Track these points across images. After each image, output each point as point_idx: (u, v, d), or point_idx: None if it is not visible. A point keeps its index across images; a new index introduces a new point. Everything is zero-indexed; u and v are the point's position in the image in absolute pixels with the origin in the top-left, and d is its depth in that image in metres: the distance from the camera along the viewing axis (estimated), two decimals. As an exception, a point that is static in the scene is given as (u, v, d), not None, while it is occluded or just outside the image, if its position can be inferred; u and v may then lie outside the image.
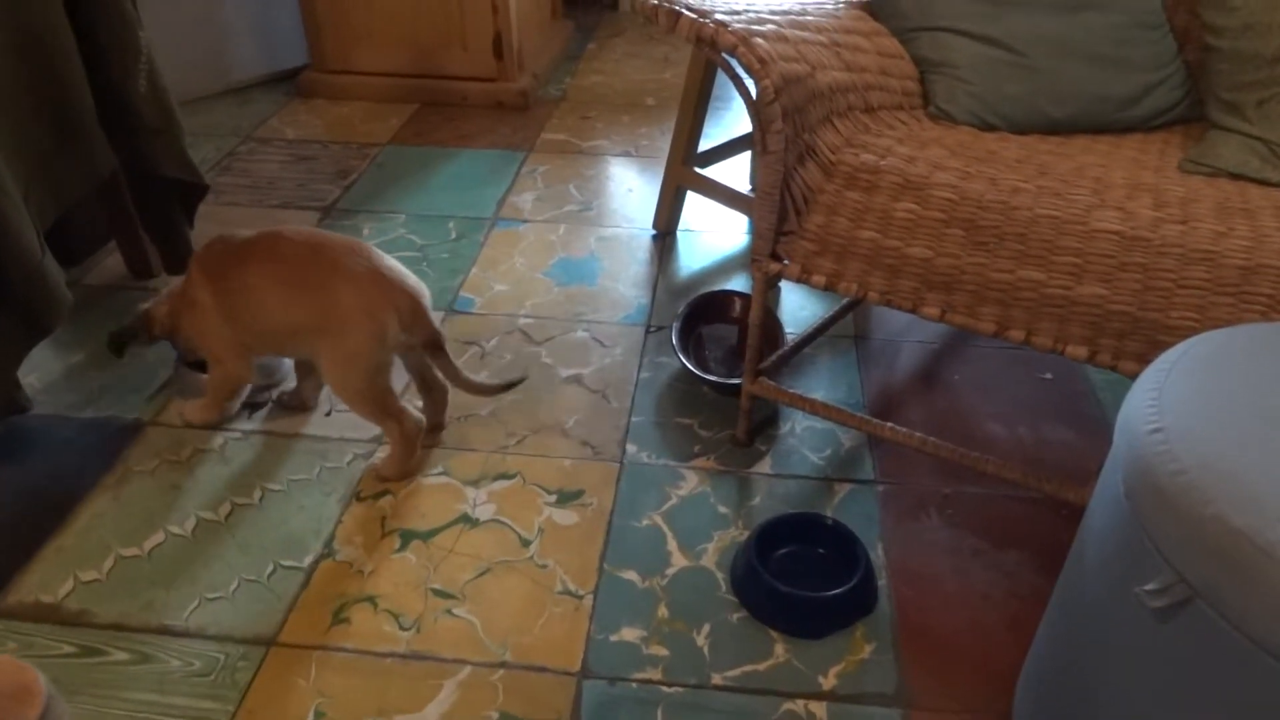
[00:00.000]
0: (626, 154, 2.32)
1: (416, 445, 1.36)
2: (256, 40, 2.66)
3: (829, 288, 1.23)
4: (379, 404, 1.31)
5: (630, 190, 2.15)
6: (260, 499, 1.34)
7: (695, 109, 1.81)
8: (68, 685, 1.09)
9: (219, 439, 1.44)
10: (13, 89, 1.27)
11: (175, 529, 1.29)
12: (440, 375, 1.37)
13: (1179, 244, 1.06)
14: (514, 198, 2.12)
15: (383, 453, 1.41)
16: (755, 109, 1.16)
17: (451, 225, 2.01)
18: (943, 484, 1.37)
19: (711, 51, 1.17)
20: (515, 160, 2.28)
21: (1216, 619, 0.70)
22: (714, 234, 2.00)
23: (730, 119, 2.54)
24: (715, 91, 2.80)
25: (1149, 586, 0.73)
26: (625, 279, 1.84)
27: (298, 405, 1.49)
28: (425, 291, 1.31)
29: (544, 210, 2.07)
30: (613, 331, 1.69)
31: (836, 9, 1.44)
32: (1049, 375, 1.59)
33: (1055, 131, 1.42)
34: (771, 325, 1.58)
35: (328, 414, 1.49)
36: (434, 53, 2.55)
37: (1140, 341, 1.08)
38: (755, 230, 1.25)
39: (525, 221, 2.03)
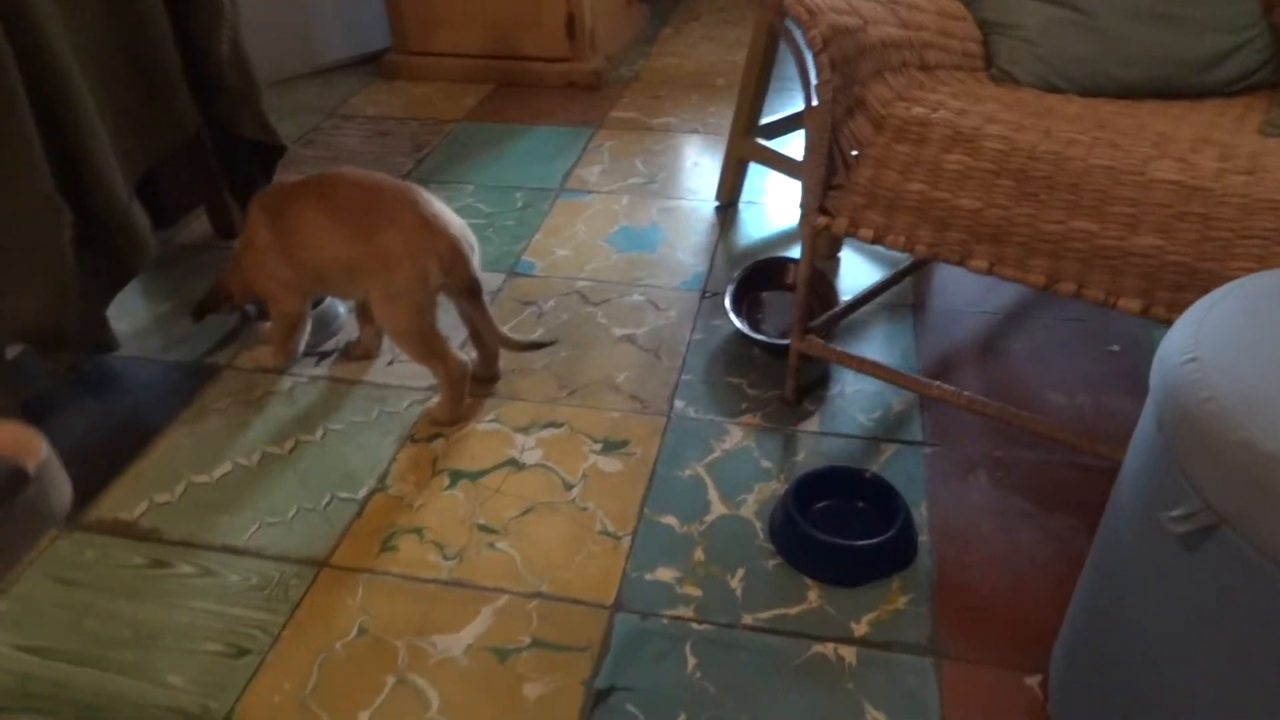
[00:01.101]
0: (694, 130, 2.34)
1: (463, 388, 1.41)
2: (342, 24, 2.77)
3: (876, 241, 1.23)
4: (424, 344, 1.36)
5: (695, 164, 2.17)
6: (322, 437, 1.40)
7: (757, 81, 1.82)
8: (138, 592, 1.16)
9: (287, 383, 1.52)
10: (105, 45, 1.37)
11: (242, 460, 1.37)
12: (479, 327, 1.41)
13: (1243, 194, 1.03)
14: (580, 170, 2.16)
15: (438, 400, 1.46)
16: (804, 60, 1.17)
17: (518, 195, 2.06)
18: (994, 448, 1.35)
19: (761, 4, 1.18)
20: (584, 136, 2.33)
21: (1243, 545, 0.68)
22: (776, 207, 2.00)
23: (794, 94, 2.53)
24: (779, 72, 2.79)
25: (1174, 512, 0.72)
26: (685, 247, 1.85)
27: (361, 354, 1.56)
28: (469, 238, 1.36)
29: (609, 182, 2.11)
30: (669, 296, 1.71)
31: (899, -28, 1.43)
32: (1116, 348, 1.55)
33: (1125, 95, 1.39)
34: (824, 287, 1.58)
35: (389, 363, 1.55)
36: (509, 34, 2.61)
37: (1196, 293, 1.05)
38: (803, 184, 1.26)
39: (590, 192, 2.07)
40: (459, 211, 1.99)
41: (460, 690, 1.04)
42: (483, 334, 1.43)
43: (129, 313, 1.69)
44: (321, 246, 1.35)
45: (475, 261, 1.36)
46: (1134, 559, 0.82)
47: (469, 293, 1.35)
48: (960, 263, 1.18)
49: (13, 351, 1.58)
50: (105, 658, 1.08)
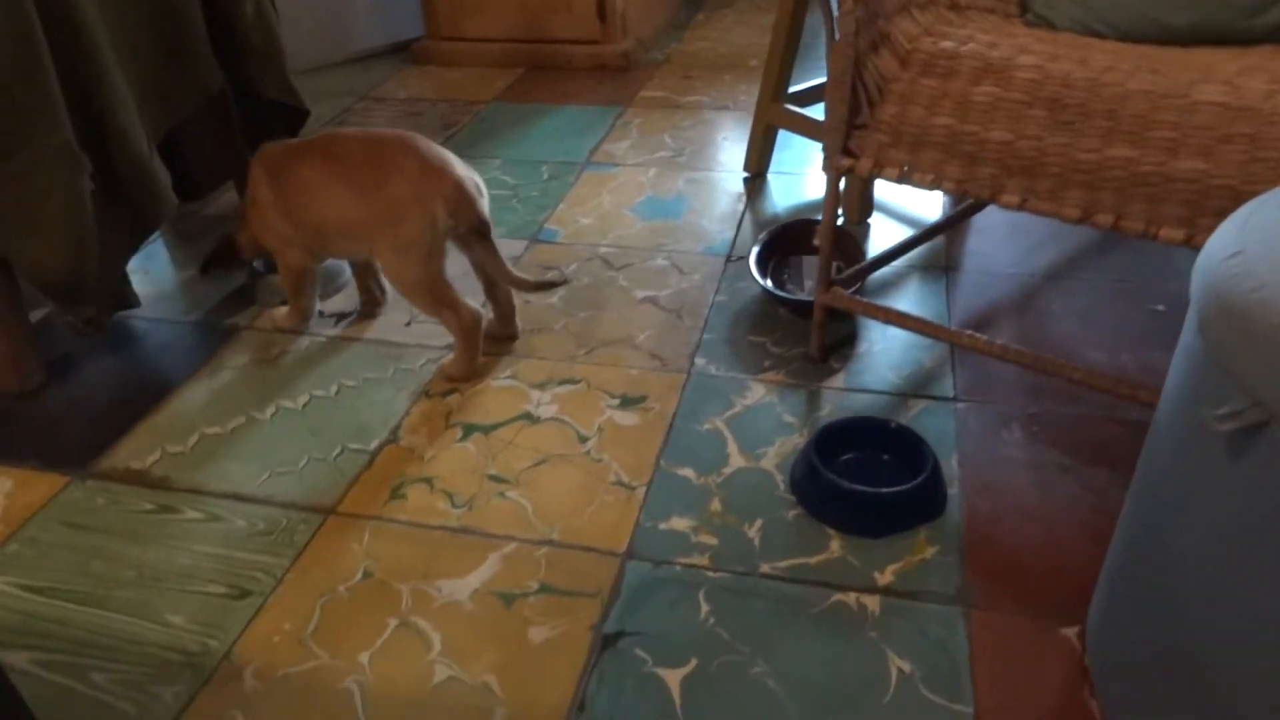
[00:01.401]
0: (724, 108, 2.31)
1: (477, 339, 1.37)
2: (376, 12, 2.79)
3: (902, 179, 1.18)
4: (435, 294, 1.34)
5: (725, 139, 2.13)
6: (336, 392, 1.38)
7: (786, 44, 1.78)
8: (144, 537, 1.15)
9: (305, 342, 1.50)
10: (128, 3, 1.37)
11: (256, 414, 1.35)
12: (490, 271, 1.38)
13: (1293, 113, 0.96)
14: (607, 145, 2.14)
15: (453, 355, 1.44)
16: (827, -11, 1.13)
17: (544, 168, 2.04)
18: (1029, 404, 1.29)
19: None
20: (612, 114, 2.30)
21: (1295, 444, 0.62)
22: (806, 177, 1.95)
23: (823, 65, 2.48)
24: (810, 42, 2.75)
25: (1220, 410, 0.66)
26: (711, 216, 1.81)
27: (371, 306, 1.56)
28: (475, 179, 1.33)
29: (636, 156, 2.08)
30: (693, 260, 1.67)
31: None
32: (1161, 307, 1.47)
33: (1168, 42, 1.32)
34: (850, 245, 1.53)
35: (407, 323, 1.53)
36: (540, 17, 2.60)
37: (1244, 220, 0.98)
38: (825, 125, 1.21)
39: (617, 165, 2.04)
40: (486, 185, 1.98)
41: (463, 633, 1.00)
42: (494, 278, 1.40)
43: (154, 279, 1.70)
44: (324, 207, 1.34)
45: (483, 203, 1.33)
46: (1176, 478, 0.76)
47: (478, 234, 1.32)
48: (991, 198, 1.12)
49: (37, 314, 1.59)
50: (108, 597, 1.07)
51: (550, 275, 1.43)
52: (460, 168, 1.32)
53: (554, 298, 1.57)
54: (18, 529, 1.17)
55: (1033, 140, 1.08)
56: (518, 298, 1.51)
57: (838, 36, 1.14)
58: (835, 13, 1.14)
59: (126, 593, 1.07)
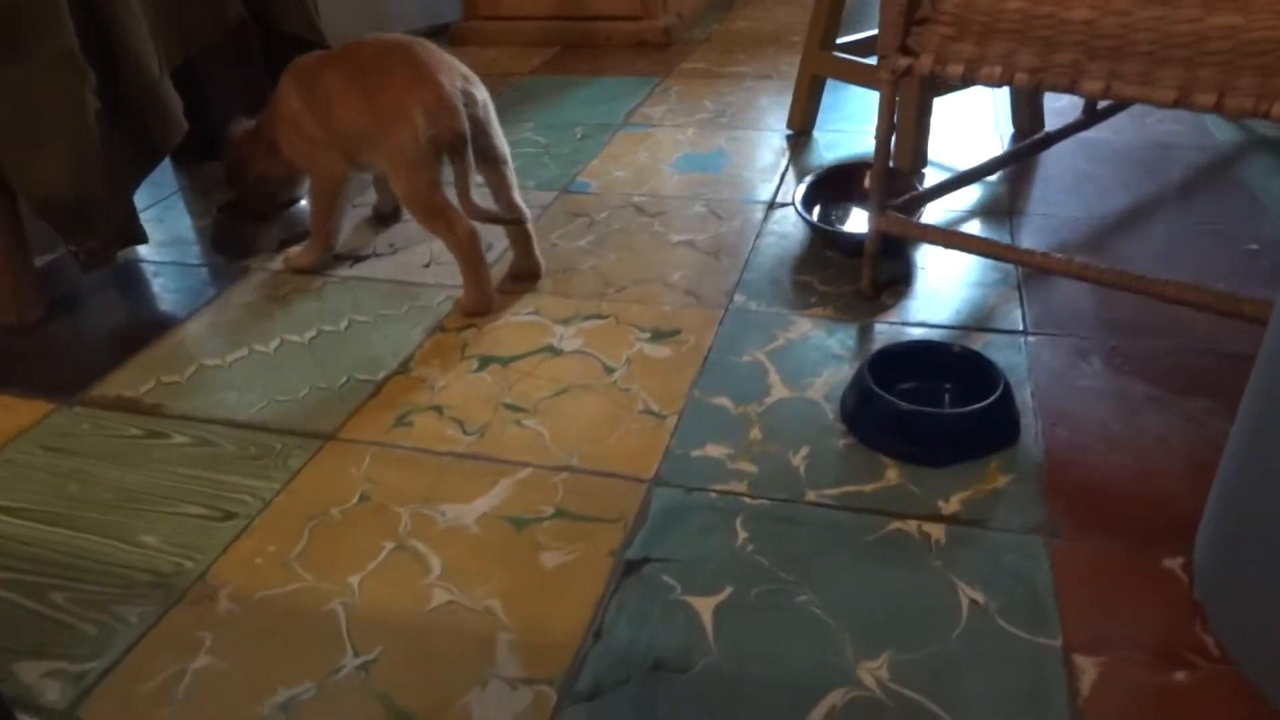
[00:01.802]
0: (767, 76, 2.20)
1: (478, 258, 1.28)
2: (415, -4, 2.75)
3: (968, 76, 1.06)
4: (427, 204, 1.26)
5: (768, 101, 2.03)
6: (346, 327, 1.28)
7: (835, -16, 1.68)
8: (127, 460, 1.05)
9: (318, 282, 1.41)
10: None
11: (259, 347, 1.25)
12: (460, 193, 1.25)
13: None
14: (645, 109, 2.04)
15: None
16: None
17: (578, 129, 1.95)
18: (1109, 336, 1.14)
19: None
20: (650, 83, 2.21)
21: None
22: (852, 134, 1.83)
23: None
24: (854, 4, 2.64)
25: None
26: (752, 169, 1.70)
27: (387, 214, 1.54)
28: (460, 91, 1.23)
29: (674, 118, 1.98)
30: (733, 208, 1.55)
31: None
32: (1254, 246, 1.32)
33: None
34: (901, 183, 1.40)
35: (426, 265, 1.43)
36: (579, -7, 2.54)
37: (1376, 86, 0.84)
38: (881, 20, 1.10)
39: (653, 126, 1.94)
40: (517, 143, 1.89)
41: (467, 557, 0.88)
42: (459, 201, 1.24)
43: (168, 226, 1.63)
44: (341, 112, 1.28)
45: (463, 117, 1.22)
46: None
47: (452, 146, 1.21)
48: (1070, 87, 1.00)
49: (46, 258, 1.52)
50: (79, 518, 0.96)
51: (505, 214, 1.33)
52: (451, 77, 1.23)
53: (583, 241, 1.47)
54: (-5, 452, 1.08)
55: (1119, 16, 0.95)
56: (546, 242, 1.40)
57: (895, -88, 1.03)
58: (892, -113, 1.03)
59: (100, 514, 0.97)
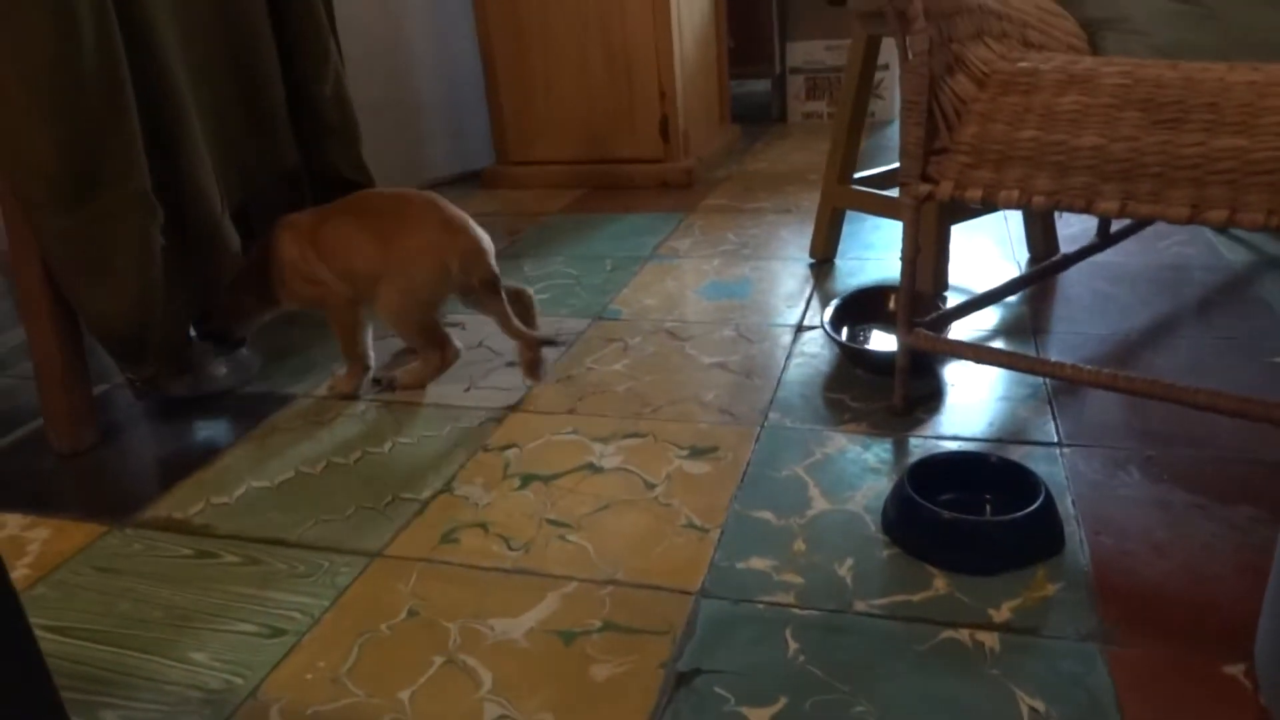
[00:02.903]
0: (787, 211, 2.31)
1: (437, 375, 1.48)
2: (449, 145, 2.92)
3: (987, 200, 1.12)
4: (430, 334, 1.45)
5: (789, 233, 2.12)
6: (390, 449, 1.32)
7: (850, 126, 1.78)
8: (177, 579, 1.06)
9: (361, 406, 1.45)
10: (216, 74, 1.43)
11: (306, 469, 1.28)
12: (498, 322, 1.43)
13: None
14: (671, 242, 2.13)
15: (514, 418, 1.37)
16: (902, 27, 1.12)
17: (608, 262, 2.03)
18: (1145, 447, 1.16)
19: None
20: (675, 219, 2.32)
21: None
22: (874, 261, 1.90)
23: (891, 160, 2.48)
24: (871, 139, 2.77)
25: None
26: (778, 294, 1.76)
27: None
28: (487, 240, 1.43)
29: (700, 250, 2.06)
30: (761, 331, 1.60)
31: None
32: (1278, 359, 1.35)
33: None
34: (926, 304, 1.45)
35: (466, 389, 1.48)
36: (604, 138, 2.69)
37: (1381, 199, 0.89)
38: (902, 150, 1.17)
39: (680, 257, 2.02)
40: (548, 275, 1.98)
41: (517, 671, 0.88)
42: (503, 328, 1.44)
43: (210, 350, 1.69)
44: (353, 257, 1.42)
45: (492, 259, 1.42)
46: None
47: (487, 287, 1.39)
48: (1086, 208, 1.05)
49: (101, 387, 1.58)
50: (130, 636, 0.97)
51: (550, 334, 1.52)
52: (474, 228, 1.42)
53: (619, 365, 1.51)
54: (47, 573, 1.09)
55: (1128, 141, 1.02)
56: (582, 365, 1.44)
57: (909, 53, 1.12)
58: (906, 33, 1.12)
59: (150, 632, 0.98)
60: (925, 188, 1.16)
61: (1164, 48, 1.31)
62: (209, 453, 1.35)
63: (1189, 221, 0.99)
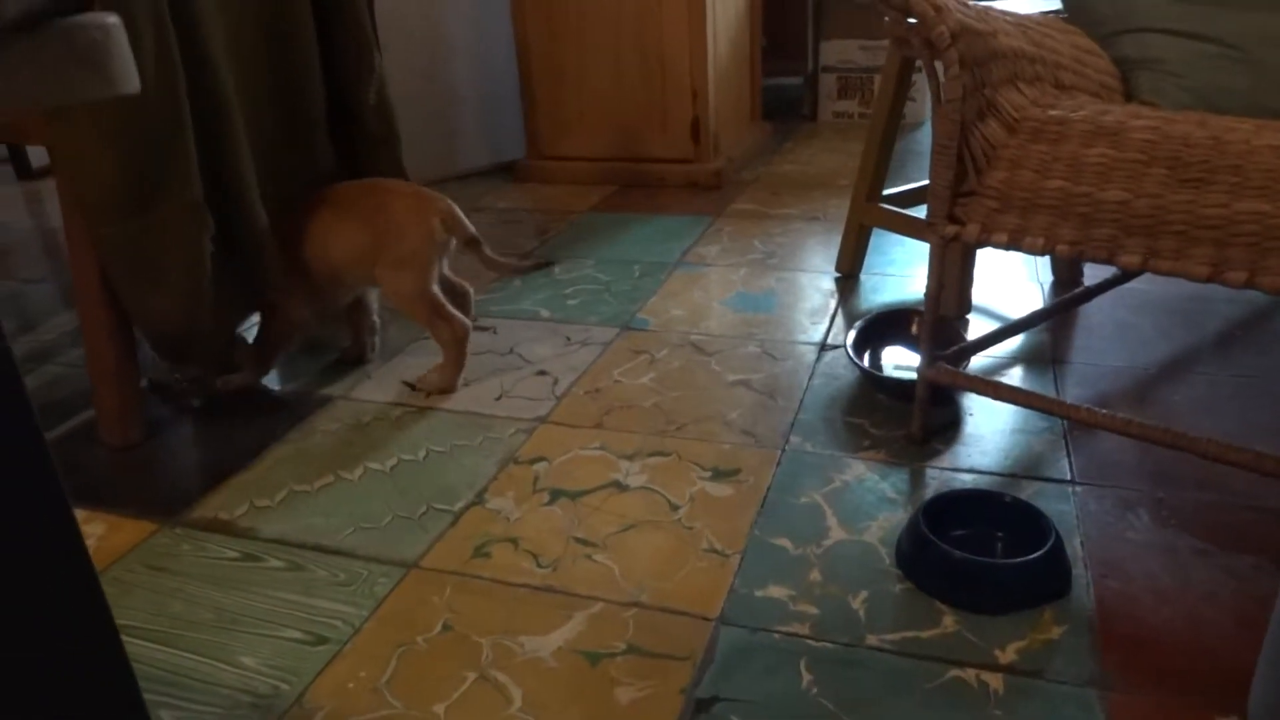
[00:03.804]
0: (815, 219, 2.33)
1: (464, 352, 1.54)
2: (483, 137, 2.95)
3: (1012, 245, 1.15)
4: (433, 305, 1.51)
5: (816, 243, 2.14)
6: (424, 457, 1.37)
7: (882, 143, 1.81)
8: (225, 582, 1.12)
9: (396, 411, 1.51)
10: (261, 85, 1.48)
11: (345, 474, 1.34)
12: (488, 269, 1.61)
13: None
14: (699, 248, 2.17)
15: (543, 431, 1.42)
16: (932, 55, 1.14)
17: (636, 268, 2.07)
18: (1155, 489, 1.19)
19: (887, 8, 1.17)
20: (703, 223, 2.35)
21: None
22: (898, 279, 1.93)
23: (921, 169, 2.50)
24: (900, 154, 2.79)
25: None
26: (803, 310, 1.80)
27: (360, 350, 1.68)
28: (455, 205, 1.54)
29: (727, 258, 2.10)
30: (785, 348, 1.64)
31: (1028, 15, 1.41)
32: (1292, 401, 1.37)
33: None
34: (949, 330, 1.48)
35: (498, 398, 1.53)
36: (635, 136, 2.72)
37: (1396, 272, 0.92)
38: (931, 191, 1.20)
39: (708, 265, 2.06)
40: (578, 279, 2.03)
41: (546, 689, 0.93)
42: (489, 268, 1.61)
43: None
44: (336, 245, 1.50)
45: (466, 221, 1.53)
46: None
47: (471, 243, 1.53)
48: (1109, 259, 1.08)
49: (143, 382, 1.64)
50: (183, 637, 1.04)
51: (540, 260, 1.73)
52: (446, 198, 1.53)
53: (645, 378, 1.56)
54: (103, 570, 1.16)
55: (1152, 198, 1.04)
56: (610, 378, 1.49)
57: (942, 98, 1.14)
58: (941, 79, 1.15)
59: (202, 634, 1.04)
60: (952, 229, 1.19)
61: (1197, 90, 1.33)
62: (251, 453, 1.41)
63: (1209, 280, 1.02)
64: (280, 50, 1.49)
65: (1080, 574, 1.05)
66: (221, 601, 1.09)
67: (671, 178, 2.71)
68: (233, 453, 1.42)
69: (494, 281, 2.01)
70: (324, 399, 1.56)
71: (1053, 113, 1.15)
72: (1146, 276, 1.79)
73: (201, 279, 1.36)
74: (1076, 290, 1.63)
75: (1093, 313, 1.70)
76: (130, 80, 0.55)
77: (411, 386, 1.57)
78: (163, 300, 1.35)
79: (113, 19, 0.55)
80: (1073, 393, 1.44)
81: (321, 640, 1.02)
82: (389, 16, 2.56)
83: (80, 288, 1.36)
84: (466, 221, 1.53)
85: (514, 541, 1.17)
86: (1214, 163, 1.01)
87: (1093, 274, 1.79)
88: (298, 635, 1.03)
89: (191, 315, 1.37)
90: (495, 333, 1.76)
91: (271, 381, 1.63)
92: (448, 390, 1.55)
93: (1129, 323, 1.66)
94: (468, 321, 1.55)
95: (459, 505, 1.25)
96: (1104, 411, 1.15)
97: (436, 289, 1.52)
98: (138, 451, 1.44)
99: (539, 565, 1.12)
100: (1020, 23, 1.29)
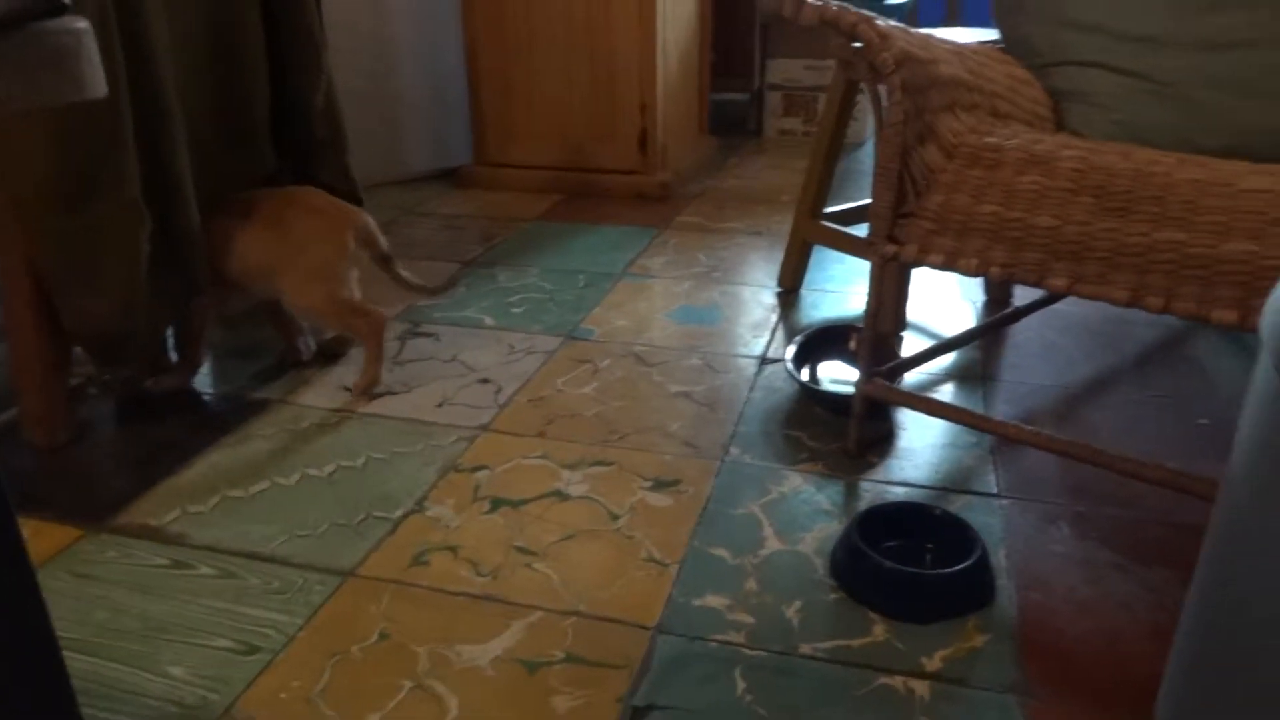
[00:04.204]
0: (758, 233, 2.37)
1: (383, 342, 1.55)
2: (429, 141, 2.93)
3: (947, 266, 1.19)
4: (347, 307, 1.52)
5: (759, 258, 2.18)
6: (364, 464, 1.36)
7: (825, 161, 1.85)
8: (153, 589, 1.10)
9: (336, 417, 1.49)
10: (202, 81, 1.45)
11: (281, 480, 1.32)
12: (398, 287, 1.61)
13: (1340, 201, 0.97)
14: (644, 260, 2.18)
15: (485, 439, 1.42)
16: (876, 79, 1.18)
17: (581, 277, 2.08)
18: (1075, 503, 1.24)
19: (835, 32, 1.20)
20: (649, 234, 2.37)
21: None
22: (838, 295, 1.98)
23: (863, 188, 2.56)
24: (842, 174, 2.84)
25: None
26: (744, 324, 1.83)
27: (295, 355, 1.67)
28: (373, 222, 1.58)
29: (672, 270, 2.12)
30: (726, 361, 1.67)
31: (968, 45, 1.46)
32: (1205, 421, 1.44)
33: (1202, 160, 1.36)
34: (884, 346, 1.52)
35: (439, 405, 1.52)
36: (583, 147, 2.73)
37: (1299, 302, 0.97)
38: (872, 211, 1.24)
39: (653, 277, 2.08)
40: (522, 288, 2.03)
41: (483, 698, 0.93)
42: (399, 286, 1.61)
43: (190, 355, 1.71)
44: (246, 251, 1.49)
45: (380, 236, 1.57)
46: (1257, 533, 0.71)
47: (382, 259, 1.56)
48: (1038, 282, 1.13)
49: (73, 381, 1.59)
50: (107, 646, 1.01)
51: (435, 284, 1.70)
52: (361, 211, 1.57)
53: (588, 388, 1.57)
54: (24, 576, 1.12)
55: (1079, 225, 1.09)
56: (553, 386, 1.50)
57: (885, 121, 1.18)
58: (884, 104, 1.19)
59: (127, 643, 1.02)
60: (891, 249, 1.23)
61: (1124, 122, 1.39)
62: (183, 457, 1.38)
63: (1129, 305, 1.07)
64: (226, 50, 1.47)
65: (1005, 585, 1.09)
66: (149, 610, 1.07)
67: (618, 189, 2.72)
68: (164, 457, 1.38)
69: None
70: (261, 403, 1.54)
71: (988, 140, 1.19)
72: (1071, 299, 1.85)
73: (138, 279, 1.33)
74: (1006, 311, 1.69)
75: (1021, 333, 1.76)
76: (98, 85, 0.54)
77: (350, 390, 1.55)
78: (98, 300, 1.32)
79: (82, 23, 0.55)
80: (1001, 409, 1.49)
81: (253, 649, 1.00)
82: (337, 18, 2.53)
83: (8, 285, 1.32)
84: (381, 238, 1.56)
85: (453, 550, 1.16)
86: (1137, 193, 1.06)
87: (1022, 295, 1.86)
88: (228, 644, 1.01)
89: (126, 315, 1.34)
90: (438, 338, 1.75)
91: (207, 385, 1.60)
92: (375, 382, 1.55)
93: (1055, 343, 1.72)
94: (382, 312, 1.56)
95: (398, 513, 1.24)
96: (1030, 428, 1.20)
97: (348, 291, 1.53)
98: (64, 454, 1.40)
99: (478, 574, 1.12)
100: (960, 52, 1.34)
